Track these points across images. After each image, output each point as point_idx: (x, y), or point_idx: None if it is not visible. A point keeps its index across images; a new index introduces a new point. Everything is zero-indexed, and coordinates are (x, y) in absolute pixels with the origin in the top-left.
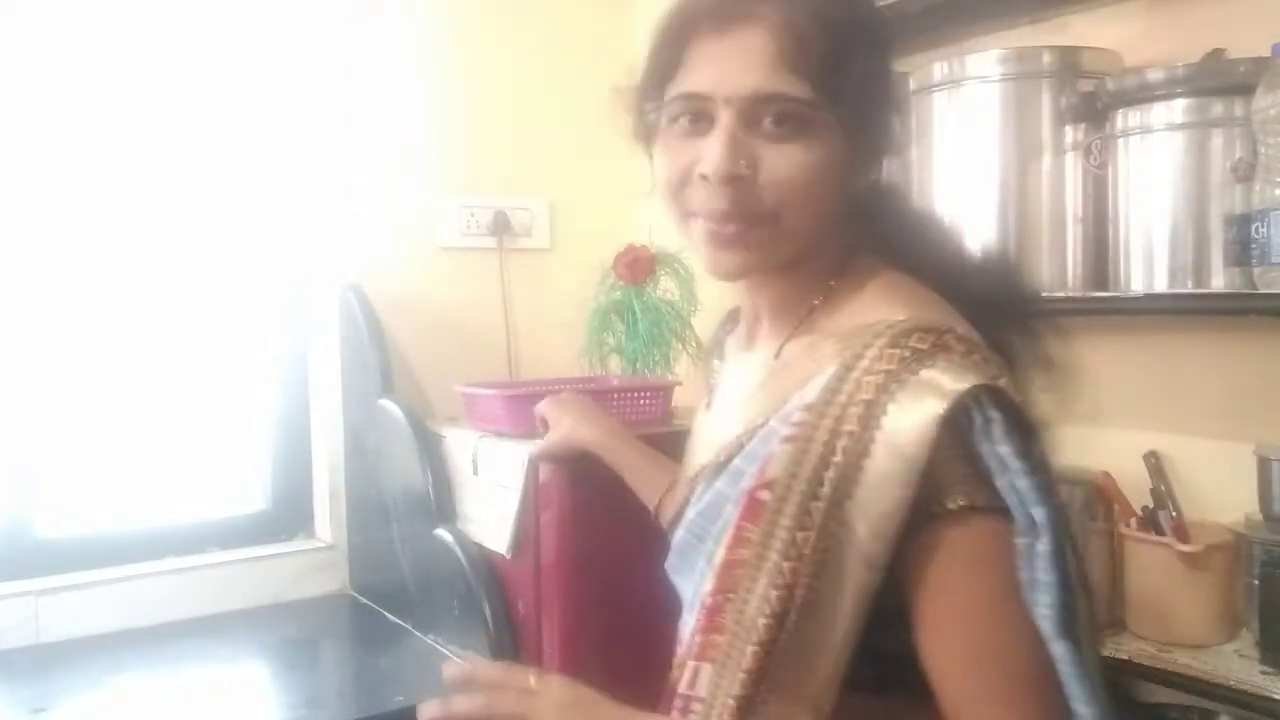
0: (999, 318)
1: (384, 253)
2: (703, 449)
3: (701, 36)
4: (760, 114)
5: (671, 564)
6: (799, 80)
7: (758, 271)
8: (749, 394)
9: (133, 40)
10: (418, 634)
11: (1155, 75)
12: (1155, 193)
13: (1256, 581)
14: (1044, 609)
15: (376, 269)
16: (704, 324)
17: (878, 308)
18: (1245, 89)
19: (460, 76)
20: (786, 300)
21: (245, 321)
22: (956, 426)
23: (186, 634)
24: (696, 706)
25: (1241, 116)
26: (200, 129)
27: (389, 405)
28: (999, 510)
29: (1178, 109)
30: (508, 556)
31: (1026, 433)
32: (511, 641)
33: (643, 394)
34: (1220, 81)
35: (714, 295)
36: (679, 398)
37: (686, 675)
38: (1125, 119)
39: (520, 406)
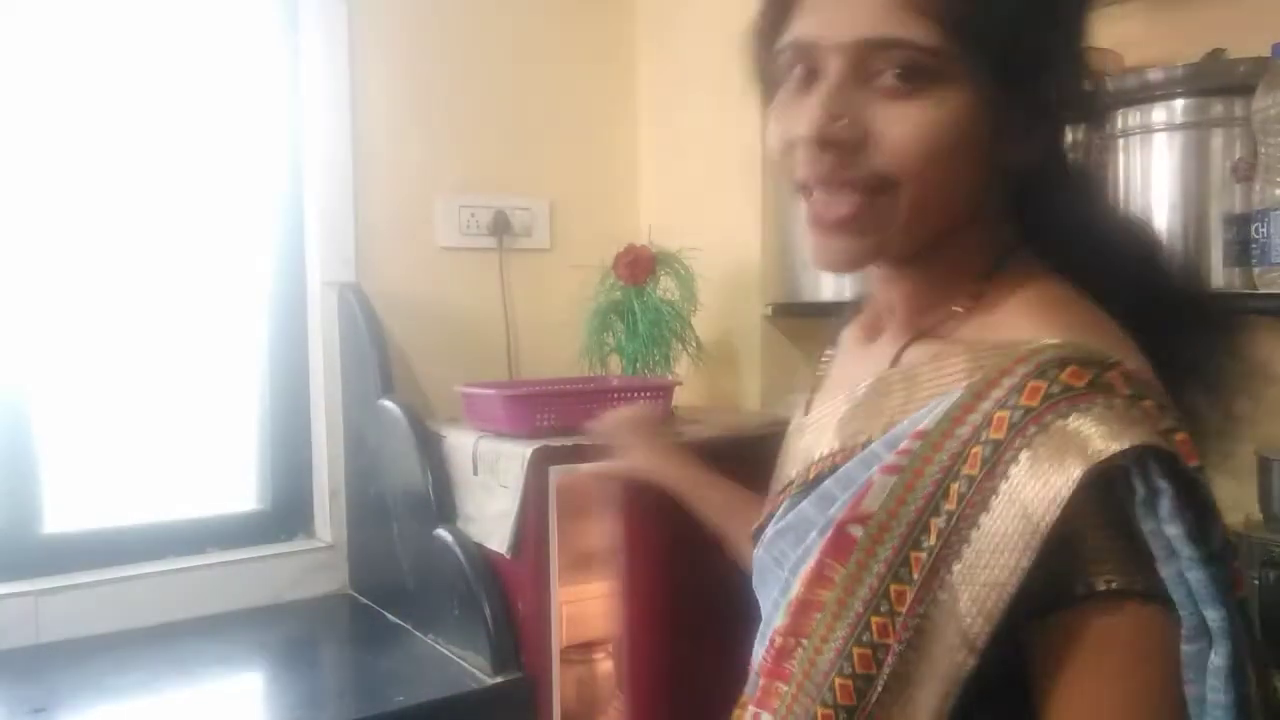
0: (1194, 356)
1: (384, 253)
2: (793, 460)
3: None
4: (878, 64)
5: (754, 583)
6: (926, 22)
7: (874, 261)
8: (856, 402)
9: (133, 41)
10: (418, 634)
11: (1155, 75)
12: (1155, 193)
13: (1256, 581)
14: None
15: (376, 269)
16: (704, 324)
17: (1029, 324)
18: (1245, 89)
19: (460, 76)
20: (922, 297)
21: (245, 321)
22: (1110, 494)
23: (186, 634)
24: None
25: (1241, 116)
26: (200, 129)
27: (389, 405)
28: (1161, 600)
29: (1178, 109)
30: (508, 556)
31: (1203, 510)
32: (512, 641)
33: (643, 394)
34: (1220, 81)
35: (714, 295)
36: (679, 398)
37: None
38: (1125, 119)
39: (520, 406)
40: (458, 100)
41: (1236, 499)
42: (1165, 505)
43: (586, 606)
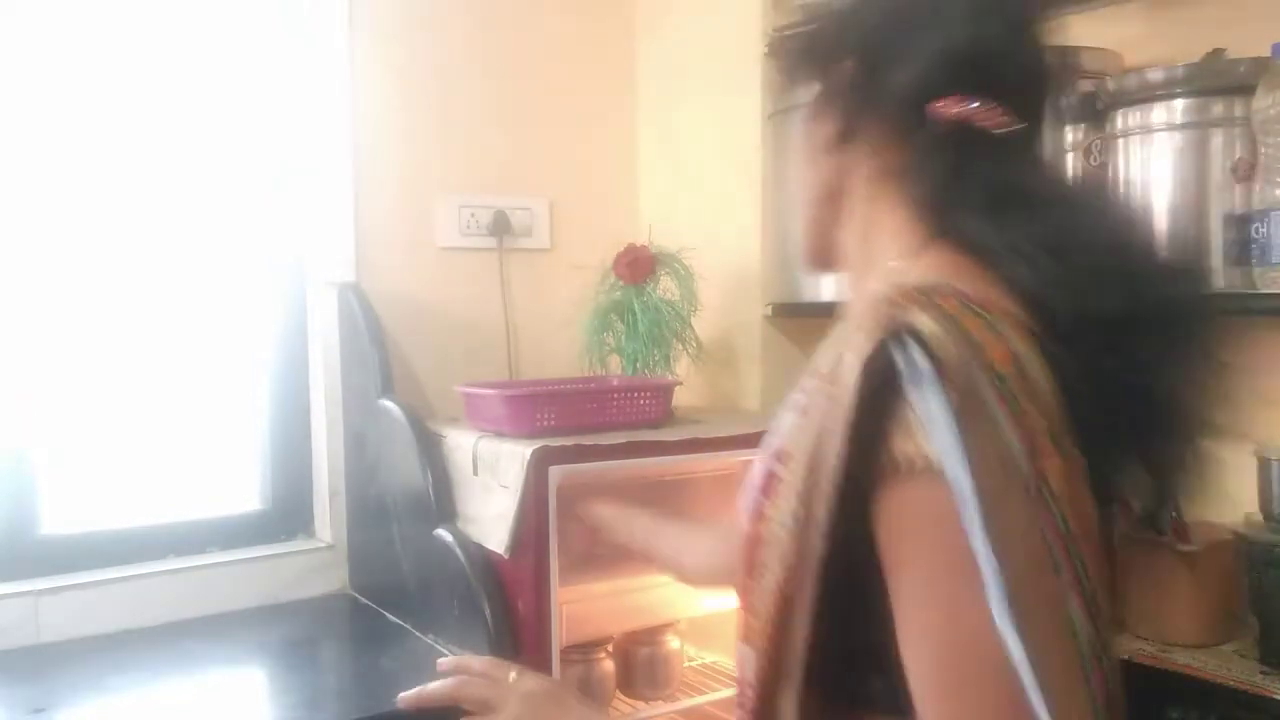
0: (1179, 357)
1: (384, 253)
2: None
3: None
4: None
5: None
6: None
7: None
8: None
9: (133, 41)
10: (418, 634)
11: (1155, 75)
12: (1155, 193)
13: (1257, 582)
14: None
15: (376, 269)
16: (704, 324)
17: (907, 275)
18: (1245, 89)
19: (460, 76)
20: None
21: (245, 321)
22: (889, 372)
23: (186, 634)
24: (748, 691)
25: (1241, 116)
26: (201, 129)
27: (389, 405)
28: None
29: (1178, 109)
30: (507, 556)
31: (957, 384)
32: (511, 641)
33: (643, 394)
34: (1220, 81)
35: (714, 295)
36: (679, 398)
37: (738, 660)
38: (1125, 119)
39: (520, 406)
40: (458, 100)
41: (1237, 499)
42: (927, 380)
43: (586, 606)
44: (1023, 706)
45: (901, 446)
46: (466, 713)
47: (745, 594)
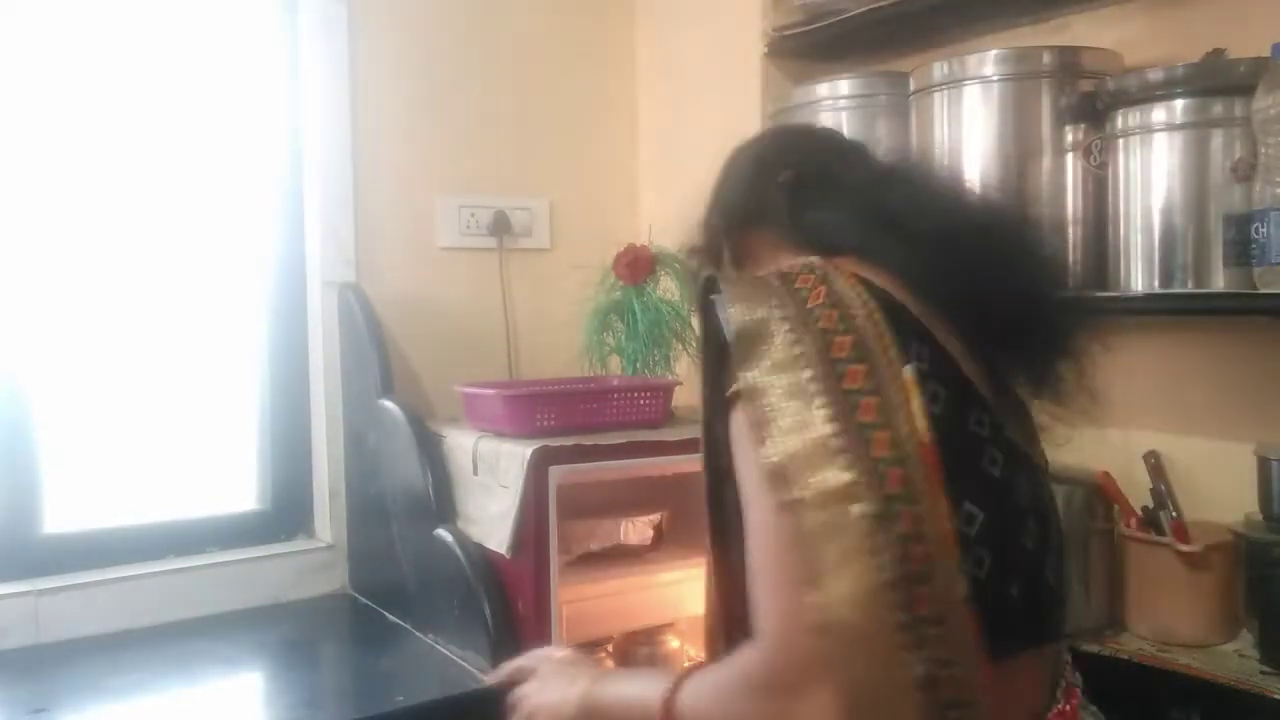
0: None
1: (384, 253)
2: None
3: None
4: None
5: None
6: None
7: None
8: None
9: (134, 42)
10: (418, 634)
11: (1155, 75)
12: (1155, 193)
13: (1257, 582)
14: None
15: (376, 269)
16: None
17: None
18: (1245, 89)
19: (461, 76)
20: None
21: (245, 321)
22: (713, 324)
23: (186, 634)
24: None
25: (1241, 116)
26: (201, 130)
27: (389, 405)
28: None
29: (1178, 109)
30: (508, 556)
31: (746, 326)
32: (512, 641)
33: (643, 394)
34: (1220, 81)
35: None
36: (679, 398)
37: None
38: (1125, 119)
39: (520, 406)
40: (458, 100)
41: (1237, 499)
42: (729, 331)
43: (586, 606)
44: (802, 581)
45: (729, 380)
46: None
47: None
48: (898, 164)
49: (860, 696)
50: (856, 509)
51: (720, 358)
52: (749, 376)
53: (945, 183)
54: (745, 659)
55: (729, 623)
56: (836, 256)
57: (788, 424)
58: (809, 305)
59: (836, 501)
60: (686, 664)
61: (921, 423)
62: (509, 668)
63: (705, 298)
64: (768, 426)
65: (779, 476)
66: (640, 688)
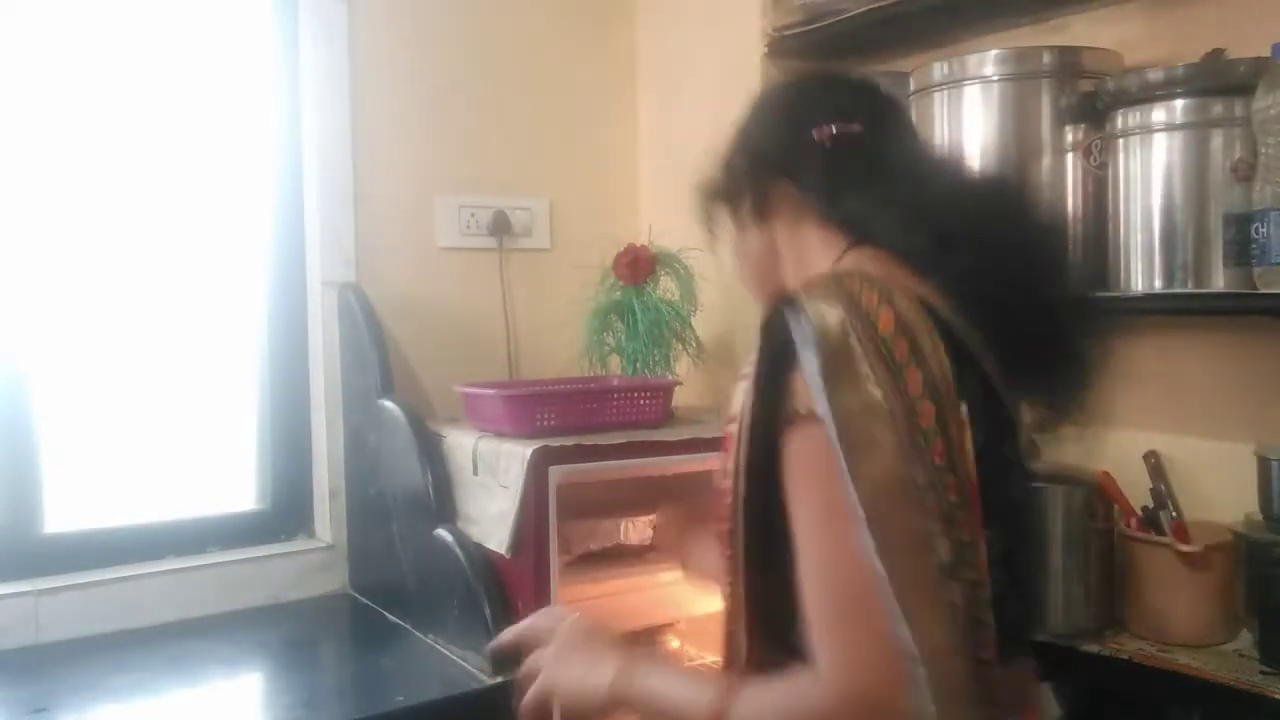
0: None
1: (384, 253)
2: None
3: None
4: None
5: None
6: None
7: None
8: None
9: (134, 41)
10: (418, 634)
11: (1155, 75)
12: (1155, 193)
13: (1257, 582)
14: None
15: (376, 269)
16: (704, 324)
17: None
18: (1245, 89)
19: (461, 76)
20: None
21: (245, 321)
22: (782, 336)
23: (186, 634)
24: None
25: (1241, 116)
26: (201, 130)
27: (389, 405)
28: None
29: (1178, 109)
30: (508, 556)
31: (831, 345)
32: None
33: (643, 394)
34: (1220, 81)
35: (714, 295)
36: (679, 398)
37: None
38: (1125, 119)
39: (520, 406)
40: (458, 100)
41: (1237, 499)
42: (805, 338)
43: (586, 606)
44: (885, 624)
45: (794, 398)
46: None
47: (724, 542)
48: (936, 153)
49: None
50: (936, 558)
51: (780, 372)
52: (835, 401)
53: (984, 187)
54: (810, 691)
55: (761, 635)
56: (867, 244)
57: (873, 458)
58: (879, 331)
59: (919, 546)
60: (716, 668)
61: (972, 463)
62: (520, 627)
63: (777, 309)
64: (854, 457)
65: (869, 513)
66: (683, 690)
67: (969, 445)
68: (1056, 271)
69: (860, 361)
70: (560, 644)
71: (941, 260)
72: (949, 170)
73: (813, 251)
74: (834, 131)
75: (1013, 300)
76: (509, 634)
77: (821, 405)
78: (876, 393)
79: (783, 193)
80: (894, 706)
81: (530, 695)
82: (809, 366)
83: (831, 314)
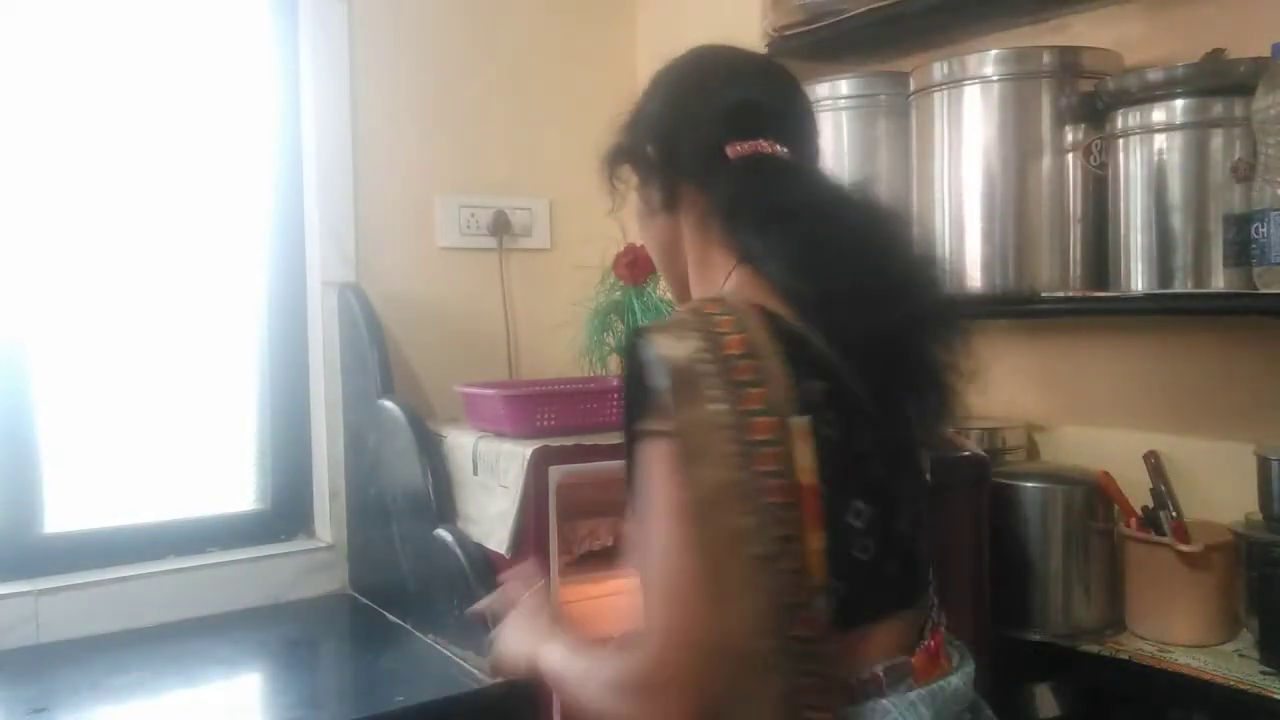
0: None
1: (384, 253)
2: None
3: None
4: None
5: None
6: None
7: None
8: None
9: (134, 42)
10: (418, 634)
11: (1155, 75)
12: (1155, 193)
13: (1257, 582)
14: None
15: (376, 269)
16: None
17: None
18: (1245, 89)
19: (460, 76)
20: None
21: (245, 321)
22: (637, 363)
23: (186, 634)
24: None
25: (1241, 116)
26: (201, 130)
27: (389, 405)
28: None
29: (1178, 109)
30: (508, 556)
31: (676, 372)
32: None
33: None
34: (1220, 81)
35: None
36: None
37: None
38: (1125, 119)
39: (520, 406)
40: (458, 100)
41: (1237, 499)
42: (652, 365)
43: (586, 606)
44: (699, 611)
45: (646, 416)
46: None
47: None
48: (830, 183)
49: (729, 706)
50: (751, 550)
51: (639, 395)
52: (675, 419)
53: (867, 227)
54: (625, 660)
55: None
56: (753, 266)
57: (705, 467)
58: (726, 353)
59: (737, 541)
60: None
61: (808, 468)
62: (492, 597)
63: (632, 339)
64: (689, 466)
65: (695, 513)
66: (568, 662)
67: (807, 452)
68: (916, 306)
69: (705, 382)
70: (514, 615)
71: (820, 309)
72: (842, 209)
73: (713, 259)
74: (748, 152)
75: (875, 336)
76: (483, 603)
77: (666, 422)
78: (717, 409)
79: (691, 196)
80: (681, 676)
81: (493, 654)
82: (657, 389)
83: (680, 347)
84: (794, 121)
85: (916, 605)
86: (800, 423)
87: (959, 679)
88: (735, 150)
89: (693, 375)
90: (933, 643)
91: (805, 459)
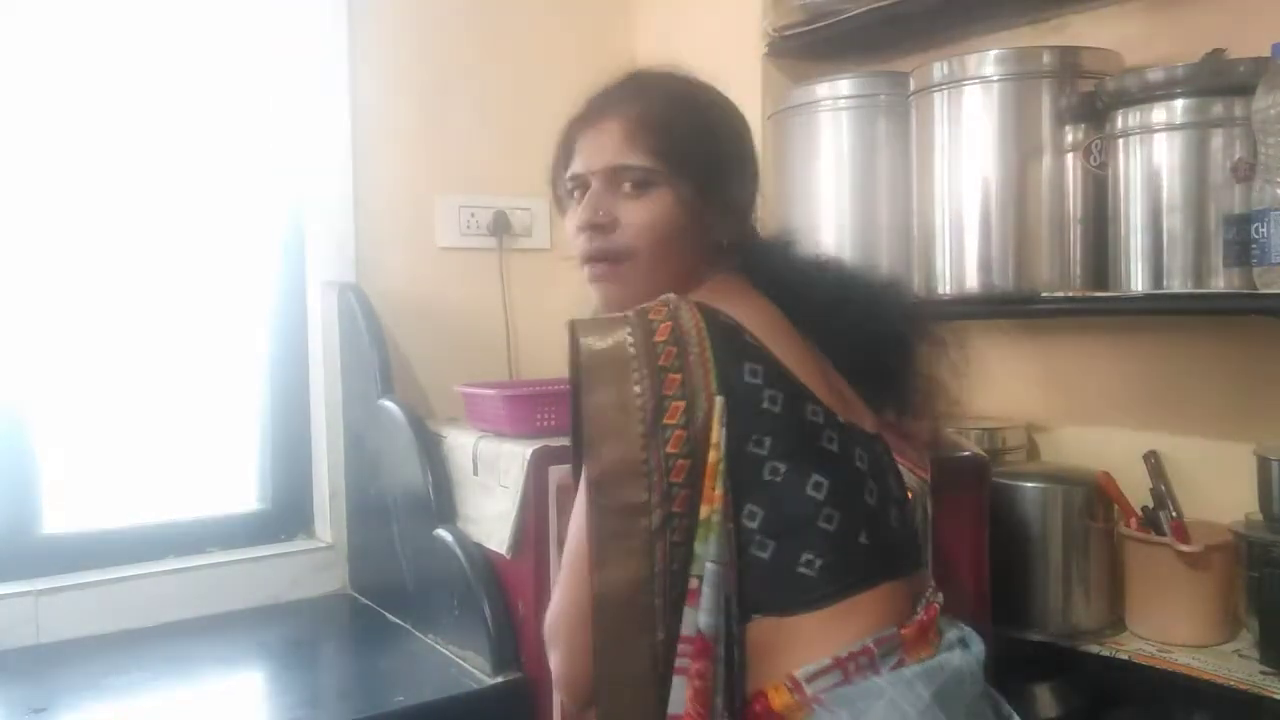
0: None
1: (384, 253)
2: None
3: (581, 133)
4: (619, 180)
5: None
6: (643, 155)
7: (630, 303)
8: None
9: (134, 41)
10: (418, 634)
11: (1155, 75)
12: (1155, 193)
13: (1257, 582)
14: None
15: (376, 269)
16: None
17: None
18: (1245, 89)
19: (460, 76)
20: None
21: (245, 321)
22: (572, 353)
23: (186, 634)
24: None
25: (1241, 116)
26: (201, 129)
27: (389, 405)
28: None
29: (1178, 109)
30: (508, 556)
31: (595, 360)
32: (512, 641)
33: None
34: (1220, 81)
35: None
36: None
37: None
38: (1125, 119)
39: (520, 406)
40: (458, 100)
41: (1237, 499)
42: (571, 360)
43: None
44: (581, 569)
45: (573, 399)
46: None
47: None
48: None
49: (611, 652)
50: (644, 523)
51: (570, 381)
52: (591, 398)
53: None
54: (547, 616)
55: None
56: (727, 276)
57: (612, 445)
58: (655, 339)
59: (632, 514)
60: None
61: (714, 448)
62: None
63: (570, 336)
64: (597, 444)
65: (598, 486)
66: None
67: (716, 434)
68: (883, 311)
69: (628, 367)
70: None
71: (796, 309)
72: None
73: (702, 280)
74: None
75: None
76: None
77: (583, 405)
78: (636, 389)
79: (721, 231)
80: (561, 628)
81: None
82: (576, 376)
83: (601, 341)
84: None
85: (902, 577)
86: (717, 404)
87: (961, 659)
88: (773, 232)
89: (609, 362)
90: (924, 616)
91: (715, 439)
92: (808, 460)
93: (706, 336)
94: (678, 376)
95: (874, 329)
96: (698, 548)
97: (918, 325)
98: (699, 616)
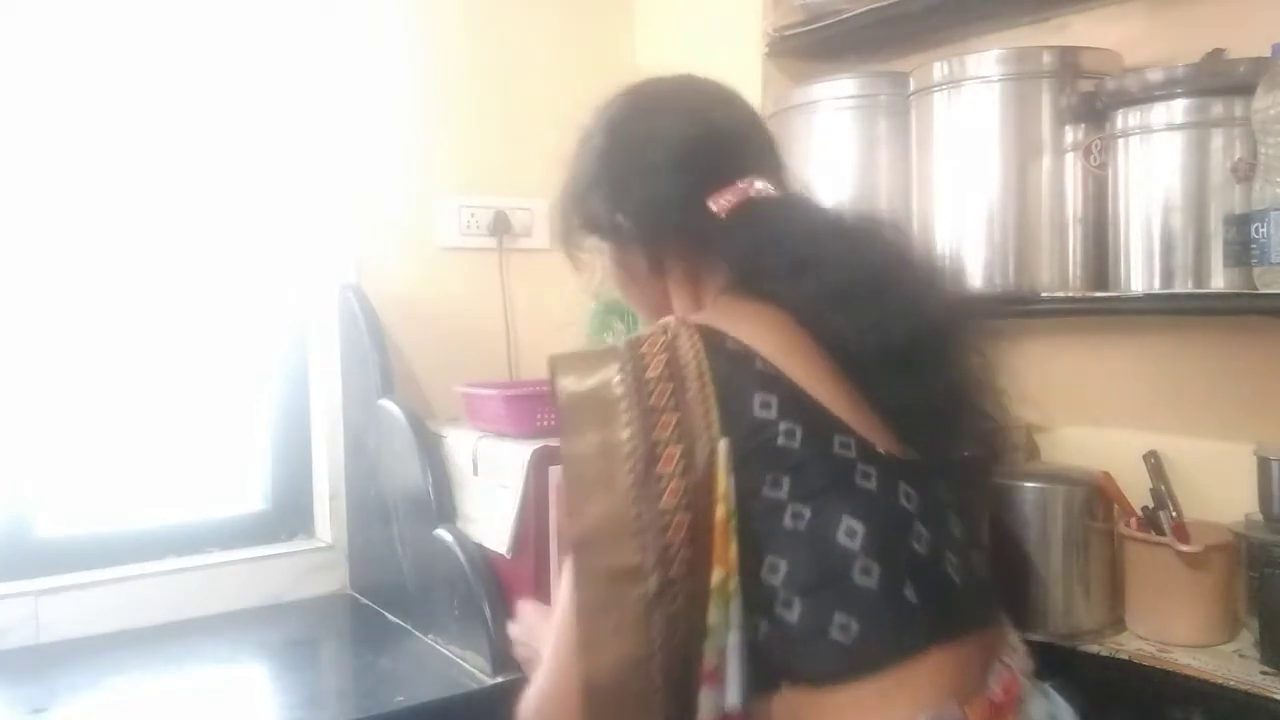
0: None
1: (384, 253)
2: None
3: None
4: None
5: None
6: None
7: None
8: None
9: (134, 41)
10: (418, 634)
11: (1155, 75)
12: (1155, 193)
13: (1257, 582)
14: None
15: (376, 269)
16: None
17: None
18: (1245, 89)
19: (460, 76)
20: None
21: (245, 322)
22: (553, 392)
23: (186, 634)
24: None
25: (1241, 116)
26: (200, 130)
27: (389, 405)
28: None
29: (1178, 109)
30: (508, 556)
31: (575, 401)
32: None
33: None
34: (1220, 81)
35: None
36: None
37: None
38: (1125, 119)
39: (520, 406)
40: (458, 100)
41: (1237, 499)
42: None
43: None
44: (568, 653)
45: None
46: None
47: None
48: (810, 199)
49: None
50: (636, 591)
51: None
52: (570, 446)
53: (884, 248)
54: (524, 701)
55: None
56: (739, 290)
57: (596, 500)
58: (647, 375)
59: (621, 582)
60: None
61: (721, 500)
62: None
63: (550, 374)
64: (579, 500)
65: (582, 548)
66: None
67: (721, 485)
68: (931, 320)
69: (615, 407)
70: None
71: (810, 309)
72: (855, 237)
73: (704, 303)
74: (734, 202)
75: (893, 350)
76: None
77: (562, 450)
78: (624, 434)
79: (679, 254)
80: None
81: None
82: (560, 419)
83: (580, 382)
84: (762, 148)
85: (965, 638)
86: (721, 447)
87: None
88: (719, 203)
89: (592, 405)
90: (1001, 694)
91: (720, 490)
92: (837, 501)
93: (708, 368)
94: (673, 417)
95: (924, 330)
96: (712, 620)
97: (970, 328)
98: (724, 697)
